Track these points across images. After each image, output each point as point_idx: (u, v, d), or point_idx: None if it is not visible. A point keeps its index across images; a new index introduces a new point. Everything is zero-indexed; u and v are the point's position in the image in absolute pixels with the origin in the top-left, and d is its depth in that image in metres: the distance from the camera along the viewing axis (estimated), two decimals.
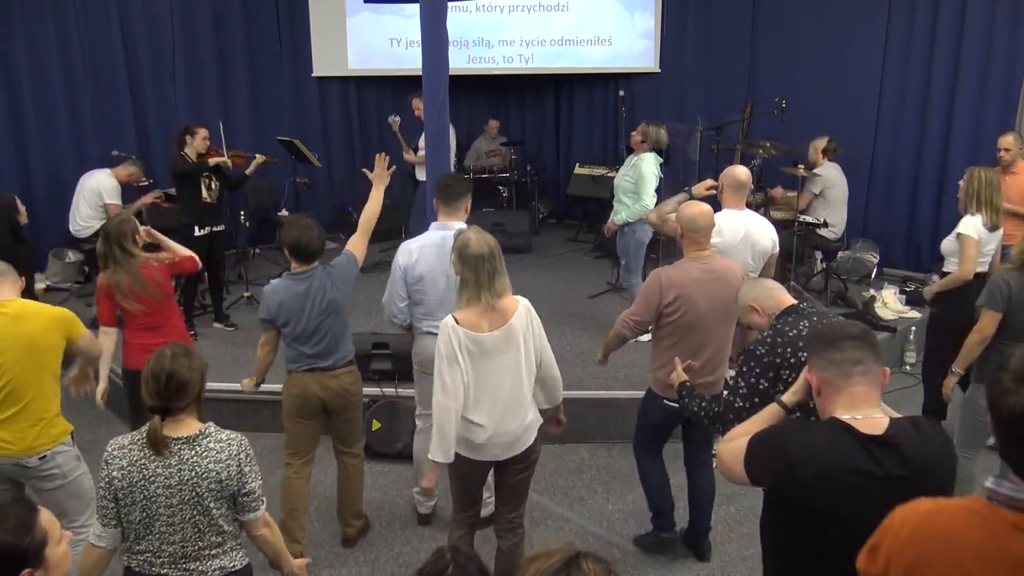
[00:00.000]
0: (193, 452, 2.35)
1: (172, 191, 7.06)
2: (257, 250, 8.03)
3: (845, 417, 1.97)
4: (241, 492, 2.41)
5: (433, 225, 3.81)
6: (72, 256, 7.16)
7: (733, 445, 2.13)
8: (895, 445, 1.92)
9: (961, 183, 4.44)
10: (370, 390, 4.96)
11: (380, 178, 4.02)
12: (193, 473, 2.34)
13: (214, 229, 6.09)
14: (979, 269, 4.39)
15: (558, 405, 3.37)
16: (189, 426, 2.39)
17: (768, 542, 2.21)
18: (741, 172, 4.37)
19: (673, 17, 8.54)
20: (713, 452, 4.16)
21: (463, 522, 3.33)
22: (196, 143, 5.98)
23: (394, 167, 4.13)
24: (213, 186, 6.03)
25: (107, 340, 3.76)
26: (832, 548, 1.99)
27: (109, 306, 3.80)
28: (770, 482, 2.03)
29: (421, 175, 6.68)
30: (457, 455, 3.09)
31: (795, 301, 2.86)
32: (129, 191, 6.98)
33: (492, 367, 3.03)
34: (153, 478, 2.34)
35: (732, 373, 5.04)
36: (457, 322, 2.97)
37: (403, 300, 3.76)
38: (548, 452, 4.83)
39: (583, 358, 5.54)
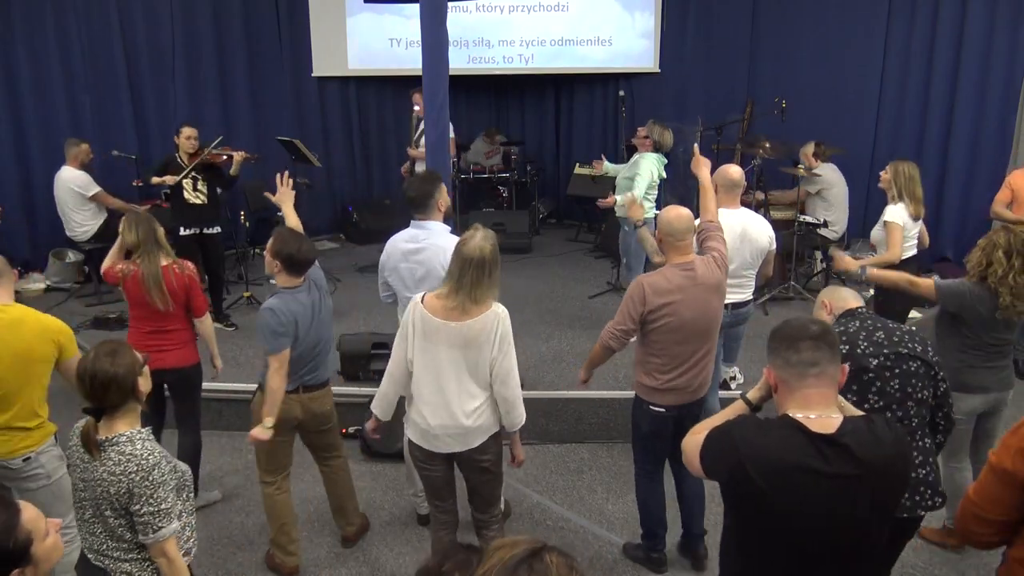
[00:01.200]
0: (100, 457, 2.32)
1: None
2: (257, 250, 8.01)
3: (798, 415, 1.99)
4: (130, 511, 2.31)
5: (412, 223, 3.81)
6: (72, 256, 7.15)
7: (694, 439, 2.15)
8: (844, 444, 1.94)
9: (883, 175, 4.68)
10: (370, 390, 4.96)
11: (284, 197, 3.94)
12: (92, 476, 2.32)
13: (205, 231, 6.08)
14: (906, 254, 4.60)
15: (513, 435, 3.24)
16: (112, 429, 2.34)
17: (726, 542, 2.22)
18: (734, 171, 4.36)
19: (673, 17, 8.54)
20: None
21: (439, 519, 3.38)
22: (181, 142, 6.02)
23: (294, 190, 4.04)
24: (199, 187, 6.02)
25: None
26: (784, 544, 2.01)
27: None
28: (722, 477, 2.05)
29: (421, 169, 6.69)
30: (411, 442, 3.22)
31: (859, 305, 2.90)
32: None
33: (440, 355, 3.04)
34: (75, 467, 2.39)
35: (736, 371, 5.08)
36: (422, 300, 3.06)
37: (385, 289, 3.93)
38: (548, 452, 4.84)
39: (583, 358, 5.47)
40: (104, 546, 2.38)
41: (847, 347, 2.71)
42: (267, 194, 4.07)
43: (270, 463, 3.65)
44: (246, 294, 6.69)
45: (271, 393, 3.38)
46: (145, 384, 2.42)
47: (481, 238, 2.98)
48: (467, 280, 2.95)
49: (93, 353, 2.34)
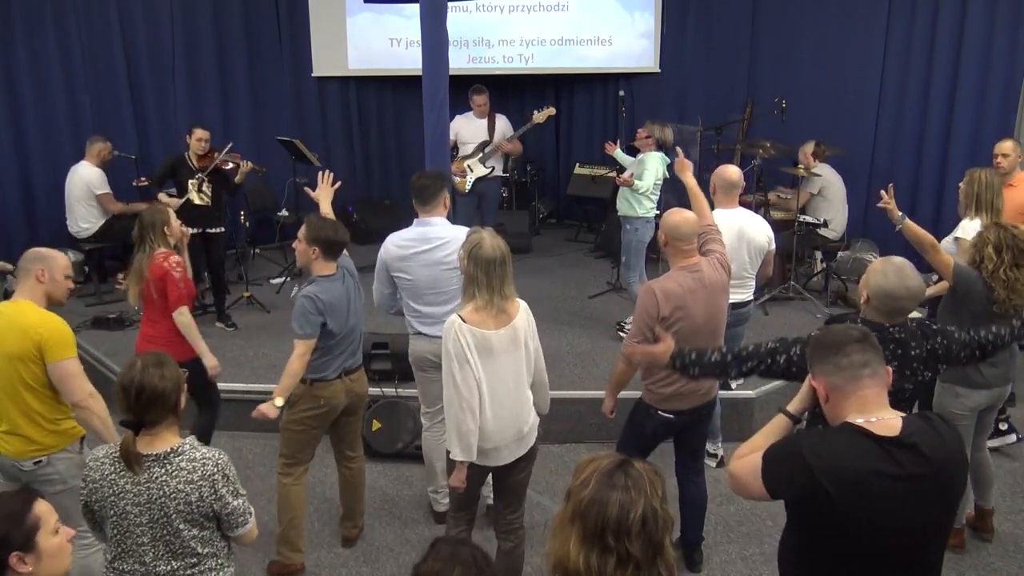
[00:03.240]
0: (163, 470, 2.24)
1: (172, 191, 7.10)
2: (257, 250, 8.02)
3: (859, 421, 1.96)
4: (224, 512, 2.32)
5: (415, 221, 3.85)
6: (72, 256, 7.14)
7: (746, 461, 2.11)
8: (913, 444, 1.93)
9: (961, 185, 4.35)
10: (370, 390, 4.96)
11: (324, 194, 3.99)
12: (161, 492, 2.24)
13: (208, 231, 6.11)
14: None
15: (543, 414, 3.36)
16: (164, 441, 2.28)
17: (792, 561, 2.18)
18: (732, 172, 4.37)
19: (673, 17, 8.53)
20: (710, 452, 4.15)
21: (460, 520, 3.36)
22: (192, 144, 6.08)
23: (339, 183, 4.08)
24: (204, 189, 6.05)
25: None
26: (860, 554, 1.98)
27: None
28: (792, 493, 2.01)
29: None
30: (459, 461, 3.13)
31: (894, 323, 2.68)
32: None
33: (498, 367, 3.03)
34: (122, 494, 2.26)
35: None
36: (463, 320, 2.98)
37: (387, 287, 3.90)
38: (548, 452, 4.83)
39: (583, 358, 5.54)
40: (163, 569, 2.30)
41: None
42: (307, 189, 4.14)
43: (296, 453, 3.63)
44: (246, 294, 6.68)
45: (290, 376, 3.41)
46: (183, 400, 2.36)
47: (491, 237, 3.02)
48: (496, 282, 2.97)
49: (140, 363, 2.27)
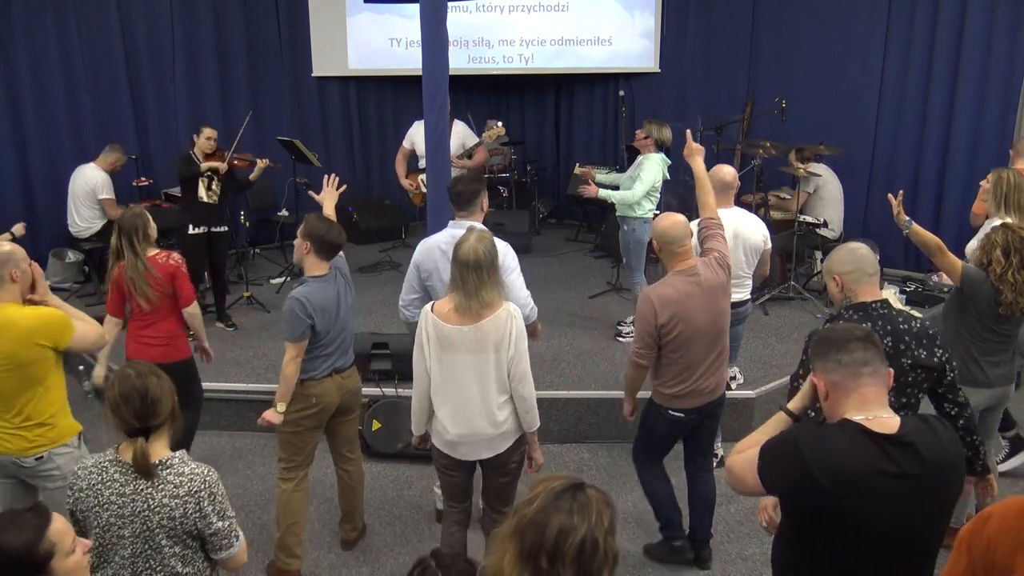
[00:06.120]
0: (149, 483, 2.21)
1: (172, 191, 7.12)
2: (257, 250, 8.02)
3: (857, 418, 1.97)
4: (207, 532, 2.26)
5: (450, 223, 3.79)
6: (72, 256, 7.16)
7: (743, 456, 2.11)
8: (910, 443, 1.93)
9: (985, 184, 4.20)
10: (370, 390, 4.96)
11: (329, 197, 3.98)
12: (145, 505, 2.20)
13: (213, 229, 6.11)
14: None
15: (531, 435, 3.23)
16: (155, 453, 2.24)
17: (785, 558, 2.17)
18: (727, 172, 4.38)
19: (673, 17, 8.53)
20: (715, 454, 4.16)
21: (451, 517, 3.38)
22: (200, 143, 6.07)
23: (344, 187, 4.05)
24: (214, 187, 6.06)
25: (109, 328, 3.85)
26: (853, 551, 1.98)
27: (118, 297, 3.90)
28: (787, 488, 2.01)
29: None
30: (435, 448, 3.22)
31: (876, 299, 2.78)
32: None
33: (457, 363, 3.03)
34: (107, 505, 2.22)
35: (736, 371, 5.08)
36: (432, 309, 3.06)
37: (414, 292, 3.80)
38: (548, 452, 4.82)
39: (583, 358, 5.54)
40: None
41: None
42: (311, 193, 4.09)
43: (294, 456, 3.61)
44: (246, 294, 6.69)
45: (285, 380, 3.46)
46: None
47: (475, 240, 2.99)
48: (470, 285, 2.96)
49: (134, 372, 2.25)
